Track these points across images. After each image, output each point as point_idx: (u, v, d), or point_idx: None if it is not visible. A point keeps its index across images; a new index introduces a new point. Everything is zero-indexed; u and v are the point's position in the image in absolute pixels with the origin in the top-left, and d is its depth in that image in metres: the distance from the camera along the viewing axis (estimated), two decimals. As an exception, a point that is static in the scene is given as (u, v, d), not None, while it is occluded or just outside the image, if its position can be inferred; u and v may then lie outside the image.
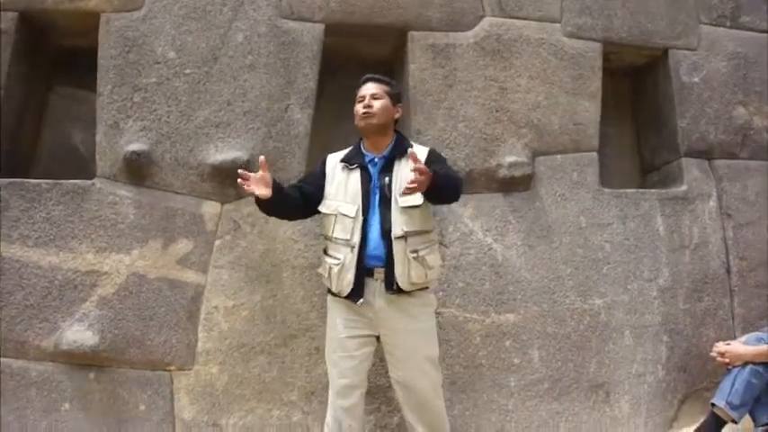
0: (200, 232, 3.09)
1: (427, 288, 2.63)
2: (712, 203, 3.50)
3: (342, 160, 2.60)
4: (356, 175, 2.55)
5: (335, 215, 2.52)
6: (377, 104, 2.57)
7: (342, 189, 2.58)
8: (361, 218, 2.49)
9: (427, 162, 2.53)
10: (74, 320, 3.01)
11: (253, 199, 3.04)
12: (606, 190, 3.44)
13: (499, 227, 3.31)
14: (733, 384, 2.93)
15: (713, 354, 3.04)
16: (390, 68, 3.54)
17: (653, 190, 3.52)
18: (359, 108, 2.59)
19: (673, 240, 3.44)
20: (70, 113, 3.40)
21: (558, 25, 3.46)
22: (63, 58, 3.40)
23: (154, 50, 3.17)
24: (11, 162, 3.18)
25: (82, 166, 3.30)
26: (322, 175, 2.61)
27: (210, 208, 3.13)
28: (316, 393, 3.06)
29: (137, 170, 3.09)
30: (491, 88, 3.36)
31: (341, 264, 2.49)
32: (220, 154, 3.12)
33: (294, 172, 3.17)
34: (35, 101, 3.36)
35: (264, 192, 2.42)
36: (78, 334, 2.98)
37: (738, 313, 3.44)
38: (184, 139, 3.14)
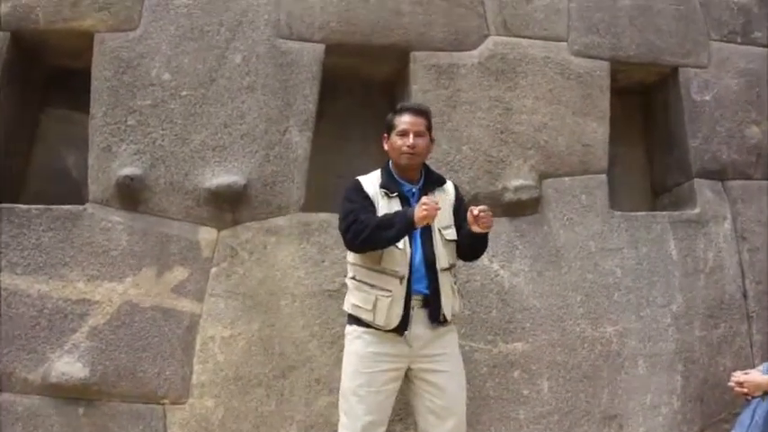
0: (195, 259, 3.10)
1: None
2: (727, 226, 3.50)
3: (381, 186, 2.60)
4: (397, 205, 2.57)
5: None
6: (421, 143, 2.60)
7: None
8: (409, 249, 2.51)
9: (457, 198, 2.69)
10: (63, 352, 3.00)
11: (250, 226, 3.13)
12: (616, 213, 3.45)
13: (506, 252, 3.32)
14: (753, 416, 2.90)
15: (731, 383, 2.98)
16: (392, 89, 3.58)
17: (665, 213, 3.54)
18: (400, 144, 2.59)
19: (686, 265, 3.43)
20: (62, 136, 3.40)
21: (564, 44, 3.49)
22: (56, 78, 3.42)
23: (149, 72, 3.19)
24: (0, 186, 3.18)
25: (74, 191, 3.30)
26: (368, 198, 2.60)
27: (206, 234, 3.13)
28: (315, 428, 3.04)
29: (130, 195, 3.10)
30: (496, 109, 3.39)
31: (392, 296, 2.50)
32: (217, 178, 3.13)
33: (293, 197, 3.19)
34: (27, 122, 3.37)
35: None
36: (68, 366, 2.96)
37: (757, 340, 3.43)
38: (180, 163, 3.15)
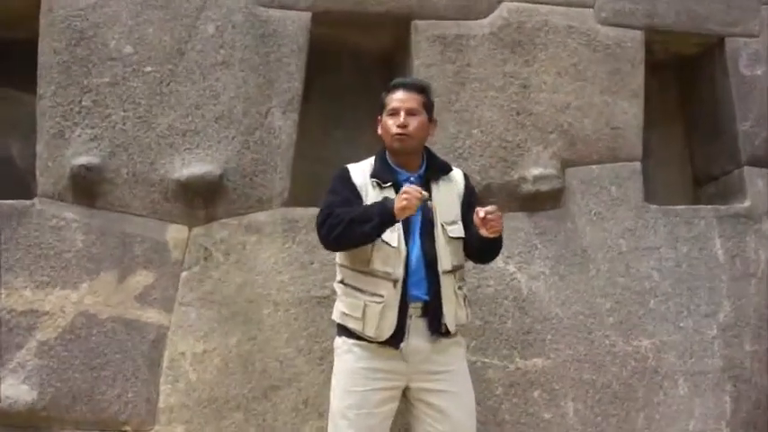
0: (163, 262, 3.08)
1: None
2: (783, 222, 3.48)
3: (372, 176, 2.58)
4: (392, 195, 2.53)
5: (373, 243, 2.49)
6: (414, 123, 2.57)
7: None
8: (403, 247, 2.50)
9: (467, 189, 2.65)
10: (7, 372, 2.94)
11: (226, 223, 3.12)
12: (652, 206, 3.42)
13: (523, 253, 3.29)
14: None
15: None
16: (391, 65, 3.54)
17: (709, 206, 3.51)
18: (390, 125, 2.57)
19: (735, 267, 3.40)
20: (5, 120, 3.35)
21: (590, 11, 3.45)
22: (-6, 52, 3.35)
23: (107, 44, 3.14)
24: (-69, 179, 3.20)
25: (19, 184, 3.27)
26: (354, 190, 2.58)
27: (176, 233, 3.12)
28: (303, 457, 3.05)
29: (86, 188, 3.07)
30: (511, 87, 3.36)
31: (384, 302, 2.48)
32: (187, 168, 3.11)
33: (276, 189, 3.18)
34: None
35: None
36: (12, 389, 2.91)
37: (817, 356, 3.40)
38: (144, 151, 3.13)
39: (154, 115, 3.15)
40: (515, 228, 3.26)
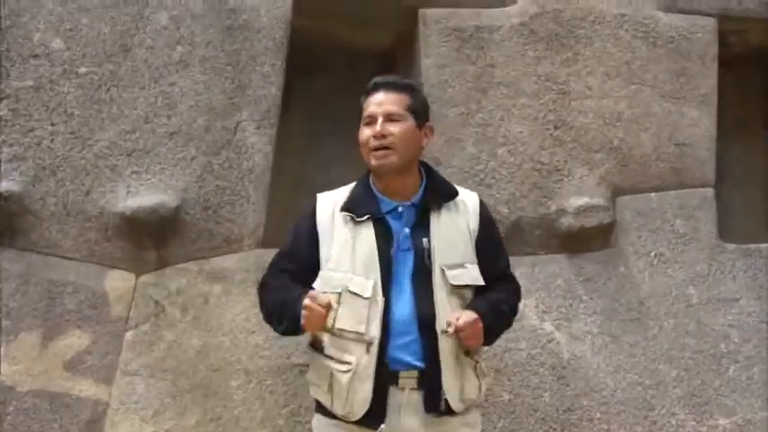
0: (101, 320, 3.07)
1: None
2: None
3: (344, 208, 2.49)
4: (368, 233, 2.46)
5: (339, 293, 2.41)
6: (396, 132, 2.44)
7: (347, 253, 2.47)
8: (380, 299, 2.40)
9: (483, 220, 2.56)
10: None
11: (184, 269, 3.13)
12: (729, 246, 3.43)
13: (563, 306, 3.28)
14: None
15: None
16: (394, 66, 3.52)
17: None
18: (366, 137, 2.46)
19: None
20: None
21: None
22: None
23: (30, 37, 3.13)
24: None
25: None
26: (312, 234, 2.51)
27: (118, 281, 3.11)
28: None
29: (3, 223, 3.05)
30: (547, 93, 3.37)
31: (351, 370, 2.40)
32: (134, 198, 3.10)
33: (248, 225, 3.18)
34: None
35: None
36: None
37: None
38: (78, 175, 3.11)
39: (91, 130, 3.14)
40: (553, 274, 3.27)
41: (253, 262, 3.12)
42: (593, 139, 3.33)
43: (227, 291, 3.10)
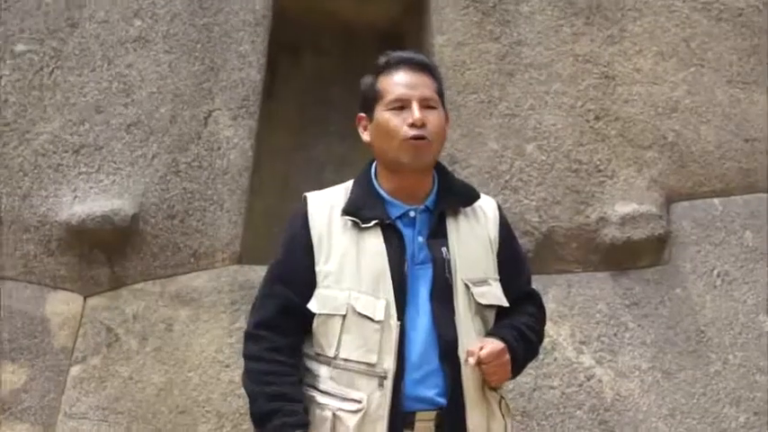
0: (40, 351, 3.08)
1: None
2: None
3: (345, 212, 2.43)
4: (376, 242, 2.39)
5: (343, 316, 2.36)
6: (434, 122, 2.41)
7: (351, 266, 2.40)
8: (395, 323, 2.33)
9: (501, 227, 2.53)
10: None
11: (143, 289, 3.16)
12: None
13: (606, 336, 3.29)
14: None
15: None
16: (398, 43, 3.46)
17: None
18: (397, 124, 2.39)
19: None
20: None
21: None
22: None
23: None
24: None
25: None
26: (307, 245, 2.42)
27: (63, 305, 3.13)
28: None
29: None
30: (586, 76, 3.38)
31: (362, 410, 2.31)
32: (82, 204, 3.11)
33: (222, 236, 3.20)
34: None
35: None
36: None
37: None
38: (14, 176, 3.14)
39: (30, 121, 3.16)
40: (593, 297, 3.30)
41: (227, 281, 3.14)
42: (643, 132, 3.34)
43: (196, 316, 3.10)
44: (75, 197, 3.09)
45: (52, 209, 3.08)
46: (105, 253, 3.08)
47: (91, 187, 3.11)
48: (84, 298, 3.10)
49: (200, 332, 3.10)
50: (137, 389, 3.04)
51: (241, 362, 2.84)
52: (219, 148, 3.18)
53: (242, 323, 3.04)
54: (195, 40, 3.20)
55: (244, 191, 3.19)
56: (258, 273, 3.06)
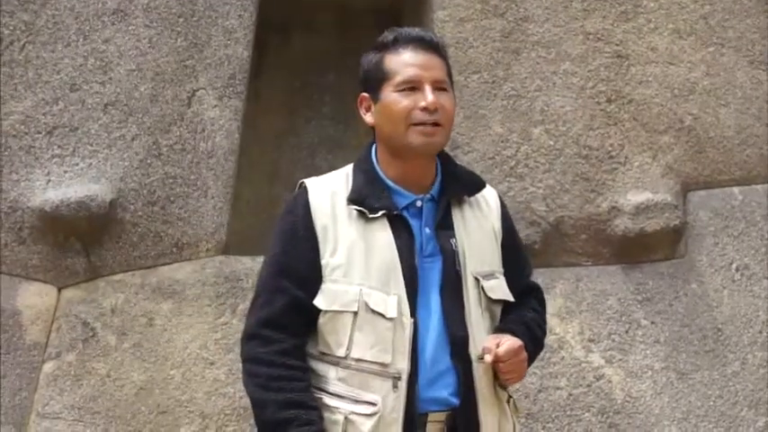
0: (11, 347, 3.09)
1: None
2: None
3: (351, 200, 2.38)
4: (384, 233, 2.35)
5: (354, 313, 2.31)
6: (447, 106, 2.37)
7: (360, 259, 2.36)
8: (408, 320, 2.31)
9: (503, 219, 2.51)
10: None
11: (122, 281, 3.17)
12: None
13: (617, 334, 3.30)
14: None
15: None
16: (395, 19, 3.43)
17: None
18: (407, 108, 2.34)
19: None
20: None
21: None
22: None
23: None
24: None
25: None
26: (311, 235, 2.36)
27: (36, 297, 3.14)
28: None
29: None
30: (597, 56, 3.40)
31: (377, 413, 2.28)
32: (56, 189, 3.12)
33: (206, 227, 3.21)
34: None
35: None
36: None
37: None
38: None
39: (1, 99, 3.15)
40: (603, 292, 3.31)
41: (212, 273, 3.16)
42: (658, 116, 3.37)
43: (178, 310, 3.12)
44: (49, 182, 3.11)
45: (24, 194, 3.09)
46: (81, 241, 3.08)
47: (65, 171, 3.12)
48: (59, 290, 3.11)
49: (182, 327, 3.11)
50: (115, 387, 3.05)
51: (227, 359, 3.04)
52: (204, 130, 3.19)
53: (227, 317, 3.12)
54: (178, 14, 3.19)
55: (230, 176, 3.21)
56: (245, 264, 3.17)
